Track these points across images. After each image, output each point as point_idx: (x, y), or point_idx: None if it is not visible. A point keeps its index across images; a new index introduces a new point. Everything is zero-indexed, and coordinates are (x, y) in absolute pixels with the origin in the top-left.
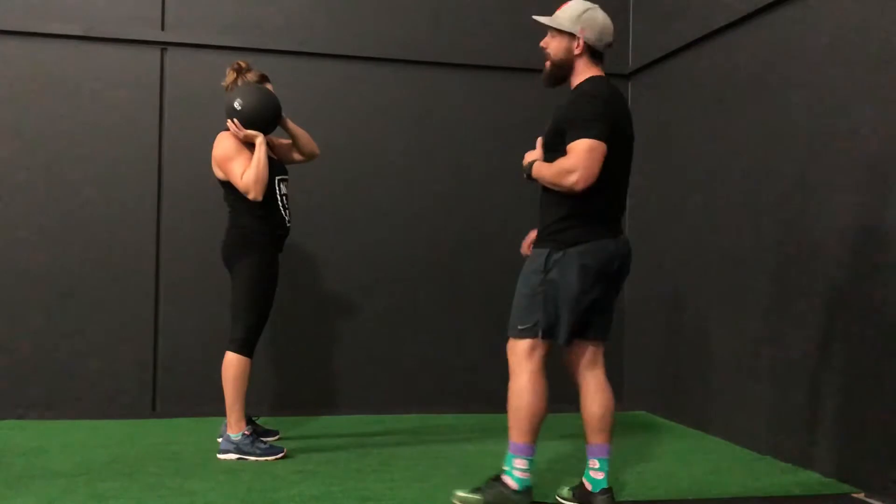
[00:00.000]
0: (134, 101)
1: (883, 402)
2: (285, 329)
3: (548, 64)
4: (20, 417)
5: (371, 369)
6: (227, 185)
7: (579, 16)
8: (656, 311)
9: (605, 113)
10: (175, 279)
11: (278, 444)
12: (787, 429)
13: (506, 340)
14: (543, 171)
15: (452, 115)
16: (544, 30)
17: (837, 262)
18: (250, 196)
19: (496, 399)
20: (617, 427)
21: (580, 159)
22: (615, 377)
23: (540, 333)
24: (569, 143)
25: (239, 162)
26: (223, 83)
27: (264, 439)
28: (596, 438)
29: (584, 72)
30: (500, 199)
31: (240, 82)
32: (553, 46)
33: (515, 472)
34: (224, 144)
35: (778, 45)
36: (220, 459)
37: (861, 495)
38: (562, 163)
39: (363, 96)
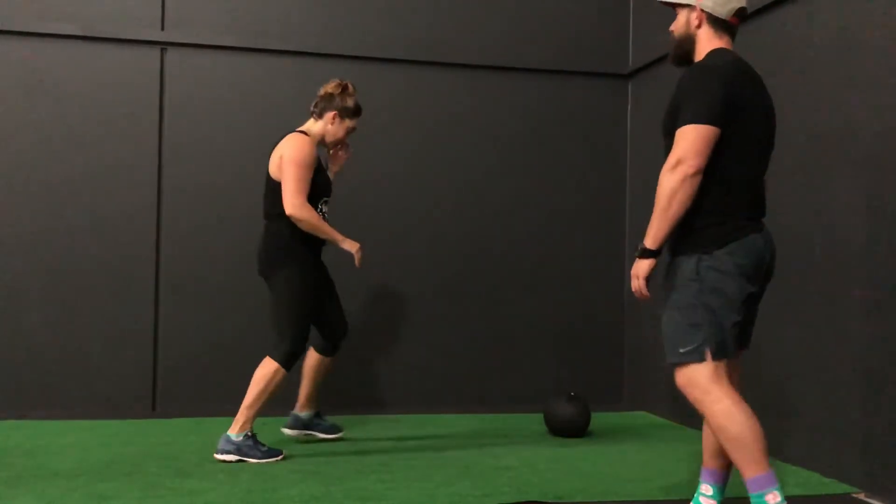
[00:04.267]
0: (134, 100)
1: (883, 401)
2: None
3: (672, 44)
4: (20, 417)
5: (371, 369)
6: (277, 189)
7: None
8: (656, 312)
9: (716, 90)
10: (175, 279)
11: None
12: (787, 429)
13: (507, 340)
14: (655, 216)
15: (453, 115)
16: (542, 29)
17: (837, 261)
18: (287, 211)
19: (496, 399)
20: (617, 427)
21: (683, 149)
22: (615, 377)
23: (708, 354)
24: (677, 127)
25: (305, 178)
26: (324, 90)
27: (325, 435)
28: (718, 462)
29: (707, 46)
30: (500, 199)
31: (337, 100)
32: (675, 23)
33: None
34: (301, 149)
35: (778, 45)
36: (217, 459)
37: (861, 495)
38: (666, 164)
39: (363, 96)
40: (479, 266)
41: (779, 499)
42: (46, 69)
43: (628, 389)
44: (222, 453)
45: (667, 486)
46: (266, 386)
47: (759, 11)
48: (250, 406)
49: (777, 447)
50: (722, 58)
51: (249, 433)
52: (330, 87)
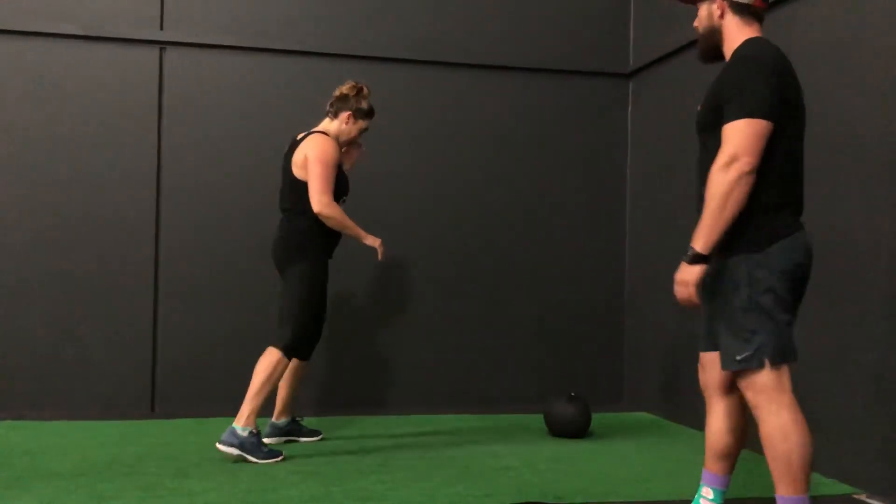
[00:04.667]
0: (133, 100)
1: (883, 401)
2: None
3: (698, 39)
4: (20, 417)
5: (371, 370)
6: (299, 187)
7: None
8: (656, 312)
9: (767, 82)
10: (174, 279)
11: (278, 446)
12: None
13: (507, 340)
14: (707, 217)
15: (453, 114)
16: (542, 29)
17: (836, 261)
18: (315, 209)
19: (496, 399)
20: (617, 427)
21: (737, 145)
22: (615, 377)
23: (767, 360)
24: (725, 122)
25: (331, 177)
26: (339, 91)
27: (307, 439)
28: (721, 466)
29: (736, 36)
30: (500, 199)
31: (352, 101)
32: (698, 18)
33: None
34: (326, 149)
35: (778, 45)
36: (219, 449)
37: (861, 496)
38: (717, 161)
39: None
40: (479, 266)
41: None
42: (46, 69)
43: (628, 389)
44: (225, 445)
45: (667, 487)
46: (269, 375)
47: None
48: (254, 396)
49: None
50: (763, 48)
51: (254, 430)
52: (345, 88)
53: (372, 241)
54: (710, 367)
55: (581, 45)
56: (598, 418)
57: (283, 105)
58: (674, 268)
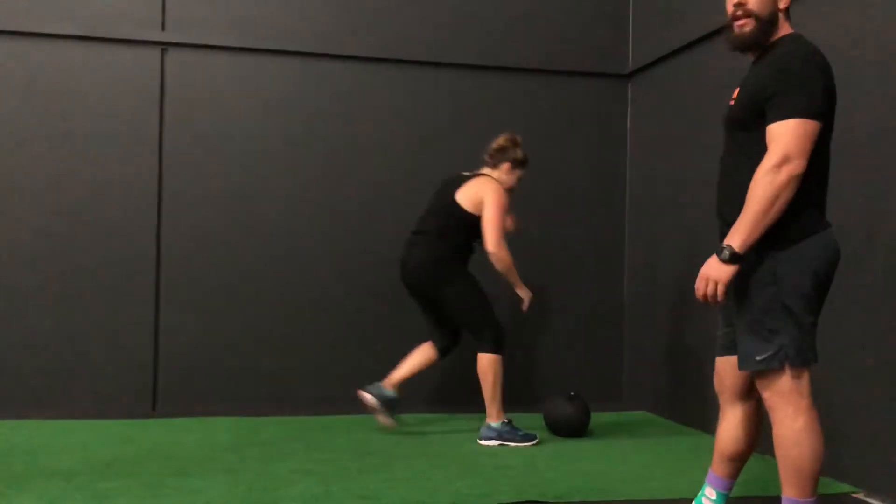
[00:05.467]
0: (134, 101)
1: (882, 400)
2: (285, 329)
3: (745, 24)
4: (20, 417)
5: (371, 369)
6: (461, 218)
7: None
8: (656, 311)
9: (821, 82)
10: (175, 279)
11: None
12: None
13: (507, 339)
14: (749, 218)
15: (453, 115)
16: (542, 29)
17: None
18: (490, 249)
19: None
20: (617, 427)
21: (789, 146)
22: (615, 377)
23: (787, 362)
24: (773, 121)
25: (502, 222)
26: (497, 143)
27: (385, 419)
28: (727, 470)
29: (782, 29)
30: None
31: (510, 152)
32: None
33: None
34: (502, 198)
35: None
36: (480, 444)
37: (861, 495)
38: (767, 162)
39: (363, 96)
40: (479, 266)
41: None
42: (47, 70)
43: (628, 389)
44: (485, 439)
45: (667, 486)
46: (493, 375)
47: None
48: (491, 397)
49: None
50: (811, 45)
51: (506, 420)
52: (502, 140)
53: (524, 293)
54: (726, 372)
55: (581, 46)
56: (597, 417)
57: (285, 106)
58: (674, 267)
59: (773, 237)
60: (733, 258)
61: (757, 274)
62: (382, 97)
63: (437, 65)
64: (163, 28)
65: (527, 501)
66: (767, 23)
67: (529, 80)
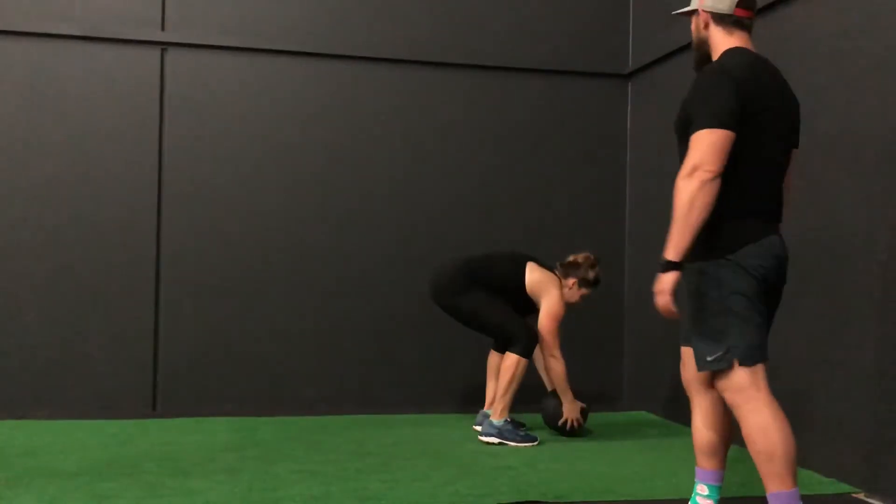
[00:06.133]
0: (134, 100)
1: (882, 401)
2: (286, 328)
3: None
4: (20, 417)
5: (371, 369)
6: (520, 287)
7: None
8: (656, 311)
9: (727, 93)
10: (175, 279)
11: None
12: None
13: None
14: (675, 225)
15: (453, 114)
16: (541, 29)
17: (833, 260)
18: (543, 333)
19: None
20: (617, 427)
21: (698, 155)
22: (615, 377)
23: (736, 361)
24: (691, 133)
25: (556, 330)
26: (574, 257)
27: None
28: (712, 462)
29: (720, 46)
30: (500, 199)
31: (581, 270)
32: (691, 30)
33: None
34: (559, 310)
35: (778, 45)
36: (481, 440)
37: (861, 495)
38: (681, 171)
39: (363, 96)
40: None
41: None
42: (47, 70)
43: (628, 389)
44: (486, 436)
45: (667, 486)
46: (513, 374)
47: (759, 11)
48: (504, 394)
49: None
50: (734, 58)
51: (508, 419)
52: (580, 257)
53: (570, 409)
54: (690, 363)
55: (580, 46)
56: (597, 418)
57: (284, 106)
58: None
59: (715, 246)
60: (666, 266)
61: (703, 280)
62: (382, 97)
63: (437, 65)
64: (163, 28)
65: (527, 501)
66: (696, 47)
67: (530, 79)
